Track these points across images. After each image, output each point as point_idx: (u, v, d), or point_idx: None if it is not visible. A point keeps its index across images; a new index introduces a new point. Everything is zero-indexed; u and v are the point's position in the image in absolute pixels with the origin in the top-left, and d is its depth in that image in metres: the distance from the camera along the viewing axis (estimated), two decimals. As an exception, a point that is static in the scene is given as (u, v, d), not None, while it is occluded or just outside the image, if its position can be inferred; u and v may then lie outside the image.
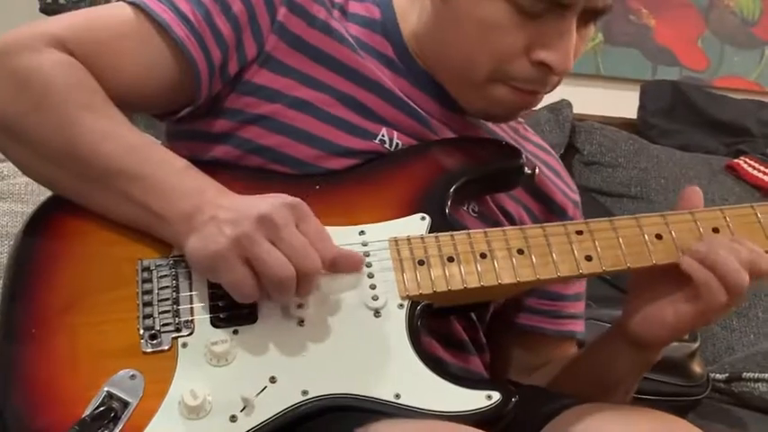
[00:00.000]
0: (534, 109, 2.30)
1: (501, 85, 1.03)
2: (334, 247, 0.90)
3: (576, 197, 1.24)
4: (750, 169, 2.38)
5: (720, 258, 0.92)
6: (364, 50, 1.09)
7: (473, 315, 1.12)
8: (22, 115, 0.94)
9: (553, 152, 1.27)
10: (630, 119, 2.61)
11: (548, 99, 2.43)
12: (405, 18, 1.11)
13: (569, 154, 2.41)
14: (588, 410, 0.91)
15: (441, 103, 1.11)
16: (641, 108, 2.61)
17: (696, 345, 1.68)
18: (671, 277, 0.96)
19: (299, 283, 0.86)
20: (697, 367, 1.68)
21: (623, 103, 2.63)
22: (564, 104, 2.42)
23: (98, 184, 0.93)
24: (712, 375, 1.76)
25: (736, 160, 2.43)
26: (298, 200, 0.89)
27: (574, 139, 2.42)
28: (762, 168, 2.37)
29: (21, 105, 0.94)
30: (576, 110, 2.45)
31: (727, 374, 1.78)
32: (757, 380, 1.72)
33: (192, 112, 1.05)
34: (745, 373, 1.75)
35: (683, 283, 0.94)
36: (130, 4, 1.01)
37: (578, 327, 1.22)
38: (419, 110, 1.08)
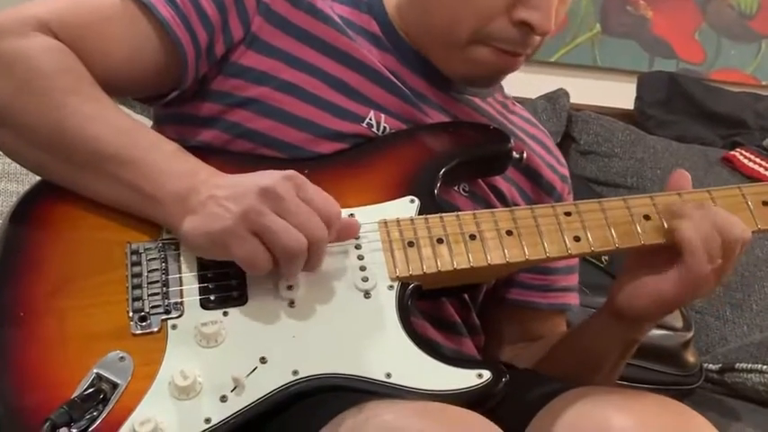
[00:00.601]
0: (531, 98, 2.31)
1: (482, 46, 1.05)
2: (339, 211, 0.90)
3: (565, 171, 1.25)
4: (746, 161, 2.38)
5: (699, 223, 0.93)
6: (352, 30, 1.10)
7: (466, 297, 1.12)
8: (9, 100, 0.93)
9: (541, 126, 1.28)
10: (627, 109, 2.61)
11: (545, 88, 2.45)
12: None
13: (566, 143, 2.40)
14: (585, 393, 0.91)
15: (427, 79, 1.12)
16: (638, 99, 2.60)
17: (690, 334, 1.69)
18: (661, 255, 0.96)
19: (309, 253, 0.87)
20: (690, 357, 1.69)
21: (620, 93, 2.63)
22: (561, 94, 2.42)
23: (87, 168, 0.93)
24: (705, 365, 1.77)
25: (732, 152, 2.43)
26: (293, 171, 0.89)
27: (570, 129, 2.42)
28: (757, 160, 2.37)
29: (6, 90, 0.93)
30: (573, 100, 2.45)
31: (720, 365, 1.78)
32: (750, 371, 1.72)
33: (180, 96, 1.05)
34: (738, 364, 1.74)
35: (672, 259, 0.95)
36: None
37: (571, 299, 1.23)
38: (407, 90, 1.09)
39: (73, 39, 0.97)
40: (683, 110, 2.56)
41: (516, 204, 1.15)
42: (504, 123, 1.19)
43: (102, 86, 0.96)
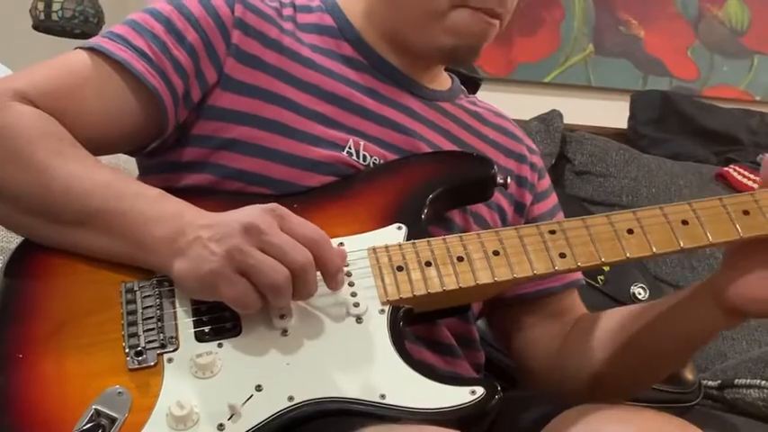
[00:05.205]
0: (525, 119, 2.34)
1: (462, 9, 1.08)
2: (324, 236, 0.91)
3: (532, 144, 1.30)
4: (740, 177, 2.39)
5: None
6: (325, 56, 1.12)
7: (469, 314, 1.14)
8: None
9: (508, 116, 1.31)
10: (621, 129, 2.63)
11: (539, 109, 2.47)
12: (352, 10, 1.16)
13: (560, 164, 2.42)
14: (586, 411, 0.91)
15: (406, 89, 1.16)
16: (631, 118, 2.62)
17: (687, 352, 1.69)
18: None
19: (295, 282, 0.87)
20: (688, 374, 1.68)
21: (614, 113, 2.65)
22: (555, 114, 2.43)
23: (77, 226, 0.94)
24: (704, 382, 1.76)
25: (725, 168, 2.44)
26: (274, 203, 0.90)
27: (565, 149, 2.43)
28: (751, 176, 2.38)
29: None
30: (567, 120, 2.46)
31: (719, 381, 1.78)
32: (749, 386, 1.72)
33: (162, 144, 1.07)
34: (737, 380, 1.74)
35: None
36: (87, 49, 1.03)
37: (575, 274, 1.24)
38: (380, 113, 1.12)
39: (51, 104, 0.99)
40: (676, 128, 2.58)
41: (499, 204, 1.19)
42: (472, 120, 1.23)
43: (87, 147, 0.98)
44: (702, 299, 1.01)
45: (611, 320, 1.13)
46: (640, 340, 1.07)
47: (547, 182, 1.30)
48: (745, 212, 0.98)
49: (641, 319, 1.08)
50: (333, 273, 0.91)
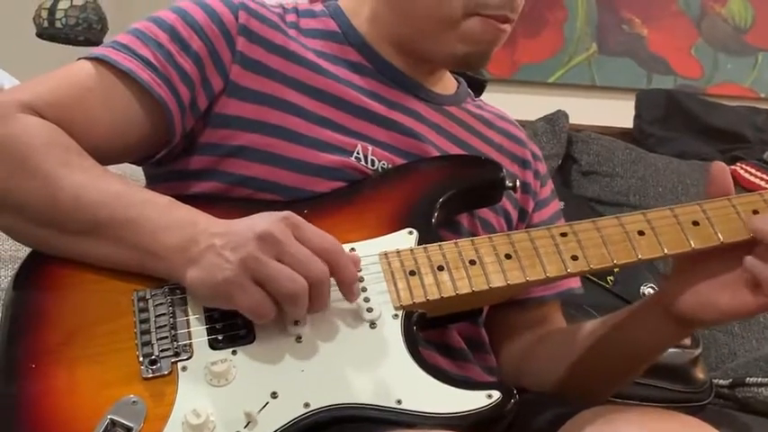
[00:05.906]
0: (530, 120, 2.34)
1: (474, 17, 1.09)
2: (338, 246, 0.91)
3: (536, 150, 1.30)
4: (747, 175, 2.38)
5: None
6: (330, 62, 1.12)
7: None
8: (3, 182, 0.94)
9: (513, 120, 1.31)
10: (627, 128, 2.62)
11: (544, 110, 2.47)
12: (357, 15, 1.16)
13: (566, 164, 2.41)
14: (601, 413, 0.91)
15: (411, 93, 1.16)
16: (637, 117, 2.61)
17: (698, 351, 1.69)
18: (721, 258, 0.96)
19: (311, 293, 0.87)
20: (700, 373, 1.68)
21: (619, 112, 2.64)
22: (560, 115, 2.43)
23: (85, 236, 0.94)
24: (715, 381, 1.76)
25: (732, 167, 2.42)
26: (288, 212, 0.90)
27: (571, 150, 2.43)
28: (758, 174, 2.37)
29: (0, 173, 0.95)
30: (573, 120, 2.46)
31: (730, 380, 1.78)
32: (760, 384, 1.72)
33: (170, 153, 1.07)
34: (748, 378, 1.74)
35: (736, 266, 0.95)
36: (92, 59, 1.03)
37: (573, 283, 1.24)
38: (388, 117, 1.12)
39: (58, 115, 0.98)
40: (682, 126, 2.57)
41: (505, 209, 1.19)
42: (479, 124, 1.23)
43: (95, 156, 0.98)
44: (653, 311, 1.03)
45: (570, 336, 1.15)
46: (593, 355, 1.09)
47: (548, 189, 1.30)
48: (755, 212, 0.98)
49: (595, 334, 1.10)
50: (349, 283, 0.91)
